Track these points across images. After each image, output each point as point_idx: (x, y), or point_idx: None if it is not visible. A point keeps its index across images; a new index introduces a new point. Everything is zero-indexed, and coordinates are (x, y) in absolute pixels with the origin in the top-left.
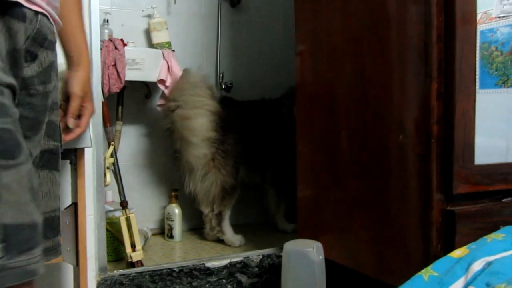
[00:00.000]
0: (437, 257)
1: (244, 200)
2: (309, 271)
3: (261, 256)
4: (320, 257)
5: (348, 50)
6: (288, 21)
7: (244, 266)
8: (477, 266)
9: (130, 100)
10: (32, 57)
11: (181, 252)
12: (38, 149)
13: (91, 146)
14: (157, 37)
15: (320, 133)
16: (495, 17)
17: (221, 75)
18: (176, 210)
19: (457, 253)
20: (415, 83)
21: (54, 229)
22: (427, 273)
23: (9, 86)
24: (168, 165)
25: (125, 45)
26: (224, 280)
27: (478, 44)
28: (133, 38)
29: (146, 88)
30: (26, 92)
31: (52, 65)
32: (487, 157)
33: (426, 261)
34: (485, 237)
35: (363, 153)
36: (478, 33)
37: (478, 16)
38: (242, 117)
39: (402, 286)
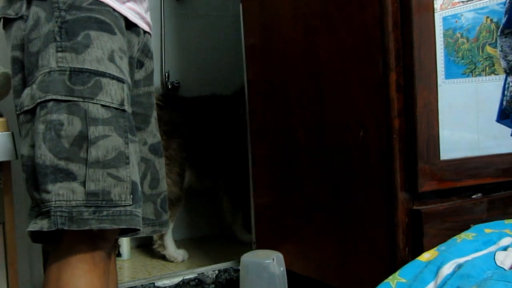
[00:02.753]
0: (405, 261)
1: (198, 210)
2: (270, 285)
3: (217, 271)
4: (281, 268)
5: (301, 42)
6: (238, 13)
7: (198, 283)
8: (447, 269)
9: None
10: (140, 65)
11: (129, 271)
12: (152, 139)
13: (17, 159)
14: None
15: (275, 133)
16: (459, 2)
17: (166, 74)
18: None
19: (425, 256)
20: (372, 74)
21: (167, 205)
22: (395, 280)
23: (129, 87)
24: None
25: None
26: None
27: (441, 31)
28: None
29: None
30: (136, 92)
31: (152, 71)
32: (455, 152)
33: (393, 266)
34: (455, 237)
35: (322, 152)
36: (440, 20)
37: (440, 1)
38: (188, 116)
39: None
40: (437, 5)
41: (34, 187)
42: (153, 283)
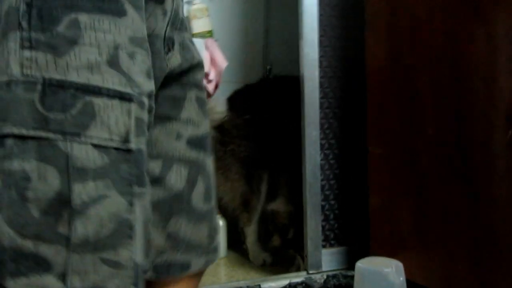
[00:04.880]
0: None
1: None
2: None
3: (325, 276)
4: (401, 278)
5: (437, 27)
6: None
7: (306, 287)
8: None
9: None
10: (172, 44)
11: (227, 270)
12: (191, 129)
13: None
14: (198, 26)
15: (397, 130)
16: None
17: (268, 68)
18: (220, 222)
19: None
20: None
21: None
22: None
23: (150, 95)
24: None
25: None
26: None
27: None
28: None
29: None
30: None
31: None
32: None
33: None
34: None
35: (457, 154)
36: None
37: None
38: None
39: None
40: None
41: None
42: (259, 285)
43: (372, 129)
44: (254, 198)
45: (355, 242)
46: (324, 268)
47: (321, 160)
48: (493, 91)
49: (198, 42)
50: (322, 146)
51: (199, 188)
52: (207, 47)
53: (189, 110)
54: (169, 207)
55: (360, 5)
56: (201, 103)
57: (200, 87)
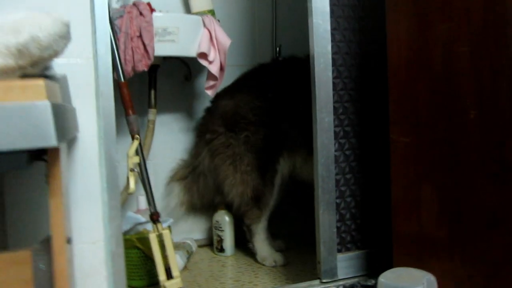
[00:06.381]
0: None
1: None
2: None
3: (341, 286)
4: None
5: None
6: None
7: None
8: None
9: (165, 83)
10: None
11: (233, 271)
12: None
13: (57, 145)
14: (197, 5)
15: (428, 114)
16: None
17: (277, 49)
18: (226, 218)
19: None
20: None
21: None
22: None
23: None
24: None
25: (153, 10)
26: None
27: None
28: (167, 7)
29: (185, 67)
30: None
31: None
32: None
33: None
34: None
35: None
36: None
37: None
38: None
39: None
40: None
41: None
42: None
43: (396, 114)
44: (266, 193)
45: (375, 245)
46: (340, 276)
47: (335, 151)
48: None
49: (194, 19)
50: (336, 134)
51: None
52: (205, 25)
53: None
54: None
55: None
56: None
57: None
